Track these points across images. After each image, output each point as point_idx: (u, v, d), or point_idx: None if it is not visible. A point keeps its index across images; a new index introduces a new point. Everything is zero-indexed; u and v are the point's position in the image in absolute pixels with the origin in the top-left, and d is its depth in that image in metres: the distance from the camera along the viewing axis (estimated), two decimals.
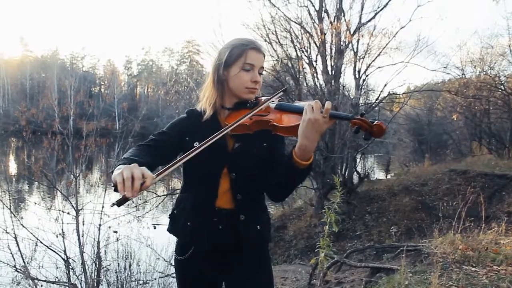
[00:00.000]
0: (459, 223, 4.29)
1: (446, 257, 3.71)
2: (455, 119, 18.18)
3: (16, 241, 5.60)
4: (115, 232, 6.48)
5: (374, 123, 1.43)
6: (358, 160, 13.63)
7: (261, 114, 1.62)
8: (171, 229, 1.82)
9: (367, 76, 12.52)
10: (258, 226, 1.72)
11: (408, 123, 23.94)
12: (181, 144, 1.68)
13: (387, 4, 11.63)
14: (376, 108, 15.34)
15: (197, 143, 1.59)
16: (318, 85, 12.12)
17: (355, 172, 13.15)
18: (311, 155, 1.49)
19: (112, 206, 1.30)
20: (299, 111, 1.53)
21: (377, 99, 12.93)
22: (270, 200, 1.77)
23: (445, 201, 9.02)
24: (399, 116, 19.71)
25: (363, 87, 13.39)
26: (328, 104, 1.42)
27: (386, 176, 20.22)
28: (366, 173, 14.53)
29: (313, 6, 11.74)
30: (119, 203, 1.27)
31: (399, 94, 13.87)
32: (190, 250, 1.73)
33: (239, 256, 1.72)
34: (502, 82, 16.19)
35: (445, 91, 15.88)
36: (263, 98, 1.73)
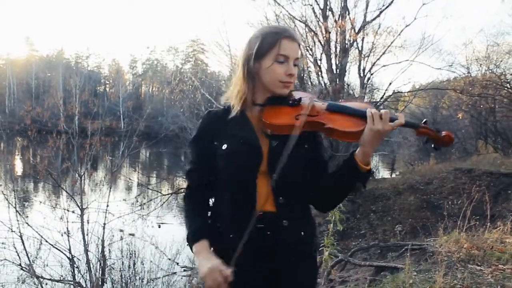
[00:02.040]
0: (464, 221, 4.27)
1: (451, 255, 3.70)
2: (460, 117, 18.10)
3: (22, 239, 5.63)
4: (130, 235, 6.52)
5: (443, 134, 1.43)
6: None
7: (311, 114, 1.45)
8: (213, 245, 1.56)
9: (372, 74, 12.50)
10: (302, 232, 1.53)
11: None
12: (213, 151, 1.51)
13: (392, 2, 11.61)
14: (381, 107, 15.30)
15: (225, 145, 1.48)
16: (323, 83, 12.11)
17: None
18: (370, 159, 1.45)
19: None
20: (358, 115, 1.44)
21: (382, 97, 12.90)
22: (316, 210, 1.64)
23: (450, 200, 8.98)
24: (404, 115, 19.58)
25: (368, 85, 13.36)
26: (401, 119, 1.41)
27: (391, 175, 20.17)
28: (372, 172, 14.49)
29: (318, 4, 11.74)
30: None
31: (404, 93, 13.83)
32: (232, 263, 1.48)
33: (284, 263, 1.52)
34: (508, 80, 16.09)
35: (450, 90, 15.81)
36: (297, 93, 1.56)
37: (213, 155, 1.51)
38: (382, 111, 1.39)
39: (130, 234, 5.73)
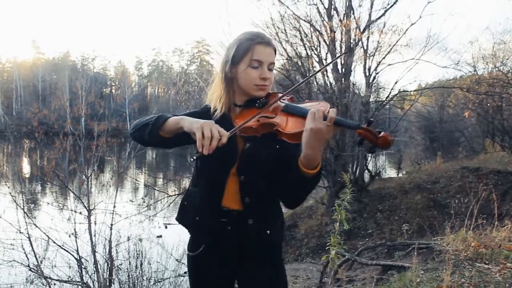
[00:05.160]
0: (471, 220, 4.24)
1: (458, 254, 3.68)
2: (467, 116, 18.00)
3: (30, 240, 5.67)
4: (139, 240, 6.54)
5: (380, 135, 1.32)
6: (369, 158, 13.54)
7: (269, 116, 1.51)
8: (180, 220, 1.79)
9: (377, 73, 12.45)
10: (268, 231, 1.64)
11: (419, 121, 23.75)
12: (185, 139, 1.57)
13: (397, 0, 11.55)
14: (387, 106, 15.26)
15: None
16: (328, 83, 12.09)
17: (366, 171, 13.08)
18: (318, 162, 1.42)
19: (192, 161, 1.46)
20: (304, 115, 1.41)
21: (387, 96, 12.86)
22: (283, 205, 1.70)
23: (457, 198, 8.92)
24: (410, 114, 19.58)
25: (373, 84, 13.31)
26: (332, 112, 1.33)
27: (397, 174, 20.08)
28: (377, 171, 14.45)
29: (322, 4, 11.72)
30: (198, 157, 1.39)
31: (410, 92, 13.79)
32: (201, 247, 1.70)
33: (249, 256, 1.67)
34: None
35: (457, 88, 15.72)
36: (279, 95, 1.61)
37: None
38: (315, 108, 1.35)
39: (139, 240, 5.76)
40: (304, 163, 1.40)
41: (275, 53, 1.63)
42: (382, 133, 1.33)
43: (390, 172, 22.55)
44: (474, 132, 21.35)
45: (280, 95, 1.60)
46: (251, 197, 1.60)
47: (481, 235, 4.11)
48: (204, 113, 1.68)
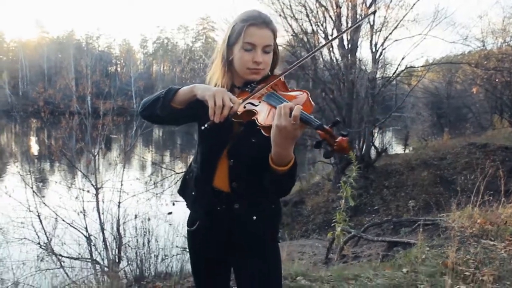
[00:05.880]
0: (477, 197, 4.24)
1: (464, 231, 3.69)
2: (475, 92, 17.81)
3: (39, 219, 5.75)
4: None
5: (337, 140, 1.21)
6: (375, 134, 13.50)
7: (254, 102, 1.45)
8: (181, 193, 1.82)
9: (384, 49, 12.30)
10: (254, 217, 1.61)
11: (426, 97, 23.54)
12: (195, 112, 1.56)
13: None
14: (394, 82, 15.13)
15: (203, 126, 1.48)
16: (334, 59, 11.98)
17: (372, 147, 13.06)
18: (290, 159, 1.37)
19: (203, 128, 1.38)
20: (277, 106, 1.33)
21: (394, 72, 12.74)
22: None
23: (463, 175, 8.93)
24: (417, 90, 19.39)
25: (380, 60, 13.17)
26: (296, 110, 1.24)
27: (404, 151, 20.03)
28: (384, 148, 14.42)
29: None
30: (210, 126, 1.37)
31: (417, 68, 13.64)
32: (196, 223, 1.71)
33: (239, 244, 1.66)
34: None
35: (465, 64, 15.52)
36: (278, 75, 1.57)
37: (191, 110, 1.57)
38: (283, 105, 1.28)
39: (147, 219, 5.82)
40: (274, 160, 1.37)
41: (275, 34, 1.57)
42: (339, 138, 1.22)
43: (397, 148, 22.50)
44: (482, 108, 21.16)
45: (274, 78, 1.55)
46: (238, 182, 1.58)
47: (487, 211, 4.11)
48: None
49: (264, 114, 1.39)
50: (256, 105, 1.44)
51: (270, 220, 1.69)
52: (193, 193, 1.70)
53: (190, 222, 1.76)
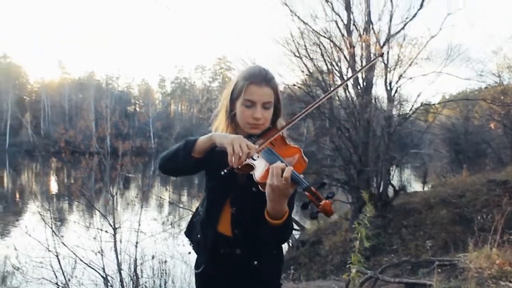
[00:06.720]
0: (496, 236, 4.19)
1: (482, 272, 3.63)
2: (493, 127, 17.65)
3: (58, 258, 5.81)
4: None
5: (321, 202, 1.30)
6: (392, 172, 13.39)
7: (254, 157, 1.54)
8: (187, 234, 1.92)
9: (398, 87, 12.36)
10: (255, 262, 1.68)
11: (443, 133, 23.37)
12: (209, 159, 1.65)
13: (416, 14, 11.52)
14: (410, 119, 15.10)
15: (208, 175, 1.71)
16: (350, 98, 12.08)
17: (389, 185, 12.93)
18: (284, 213, 1.45)
19: (223, 174, 1.47)
20: (272, 163, 1.43)
21: (410, 109, 12.74)
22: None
23: (483, 213, 8.77)
24: (434, 126, 19.30)
25: (395, 98, 13.22)
26: (287, 172, 1.33)
27: (423, 188, 19.76)
28: (402, 186, 14.26)
29: (341, 19, 11.78)
30: (229, 171, 1.46)
31: (433, 105, 13.64)
32: (202, 265, 1.77)
33: (242, 284, 1.72)
34: None
35: (480, 100, 15.48)
36: (277, 129, 1.67)
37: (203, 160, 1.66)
38: (275, 165, 1.37)
39: (164, 262, 5.85)
40: (270, 214, 1.45)
41: (275, 90, 1.66)
42: (323, 201, 1.31)
43: (416, 186, 22.20)
44: (502, 144, 20.89)
45: (274, 133, 1.65)
46: (240, 229, 1.67)
47: (506, 252, 4.05)
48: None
49: (260, 171, 1.48)
50: (255, 160, 1.52)
51: (272, 265, 1.76)
52: (198, 235, 1.79)
53: (196, 265, 1.83)
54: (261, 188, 1.46)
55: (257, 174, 1.47)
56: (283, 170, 1.35)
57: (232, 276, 1.72)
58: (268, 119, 1.68)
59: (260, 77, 1.63)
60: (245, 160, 1.46)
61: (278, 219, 1.45)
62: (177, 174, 1.90)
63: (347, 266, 3.96)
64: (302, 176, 1.39)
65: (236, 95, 1.66)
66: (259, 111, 1.62)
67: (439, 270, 3.78)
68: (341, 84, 11.70)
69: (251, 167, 1.51)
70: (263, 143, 1.58)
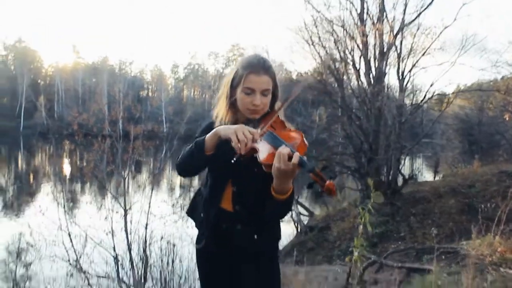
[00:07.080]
0: (499, 225, 4.23)
1: (483, 259, 3.69)
2: (507, 119, 17.46)
3: (70, 237, 5.99)
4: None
5: (326, 182, 1.44)
6: (402, 161, 13.37)
7: (256, 140, 1.63)
8: (189, 213, 2.03)
9: (411, 77, 12.27)
10: (255, 236, 1.80)
11: (456, 123, 23.16)
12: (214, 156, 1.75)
13: (431, 2, 11.38)
14: (423, 108, 15.01)
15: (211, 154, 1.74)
16: (362, 86, 12.05)
17: (399, 174, 12.93)
18: (289, 189, 1.59)
19: (233, 162, 1.58)
20: (276, 147, 1.55)
21: (423, 99, 12.66)
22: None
23: (492, 203, 8.75)
24: (447, 116, 19.15)
25: (408, 87, 13.14)
26: (295, 158, 1.46)
27: (434, 178, 19.68)
28: (412, 175, 14.23)
29: (355, 8, 11.71)
30: (237, 158, 1.57)
31: (447, 94, 13.52)
32: (203, 241, 1.89)
33: (242, 258, 1.84)
34: None
35: (494, 91, 15.30)
36: (275, 112, 1.77)
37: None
38: (282, 150, 1.48)
39: (172, 245, 5.98)
40: (276, 190, 1.59)
41: (273, 78, 1.76)
42: (328, 181, 1.45)
43: (427, 175, 22.13)
44: None
45: (273, 116, 1.75)
46: (240, 205, 1.79)
47: (508, 239, 4.09)
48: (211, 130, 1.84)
49: (264, 153, 1.59)
50: (257, 143, 1.62)
51: (271, 240, 1.89)
52: (201, 214, 1.90)
53: (198, 240, 1.95)
54: (264, 169, 1.58)
55: (261, 156, 1.57)
56: (289, 155, 1.47)
57: (232, 251, 1.83)
58: (267, 104, 1.79)
59: (258, 66, 1.73)
60: (251, 146, 1.56)
61: (283, 194, 1.59)
62: (197, 173, 2.00)
63: (350, 250, 4.03)
64: (305, 158, 1.51)
65: (236, 83, 1.76)
66: (258, 98, 1.73)
67: (443, 257, 3.84)
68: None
69: (255, 150, 1.60)
70: (263, 126, 1.70)
